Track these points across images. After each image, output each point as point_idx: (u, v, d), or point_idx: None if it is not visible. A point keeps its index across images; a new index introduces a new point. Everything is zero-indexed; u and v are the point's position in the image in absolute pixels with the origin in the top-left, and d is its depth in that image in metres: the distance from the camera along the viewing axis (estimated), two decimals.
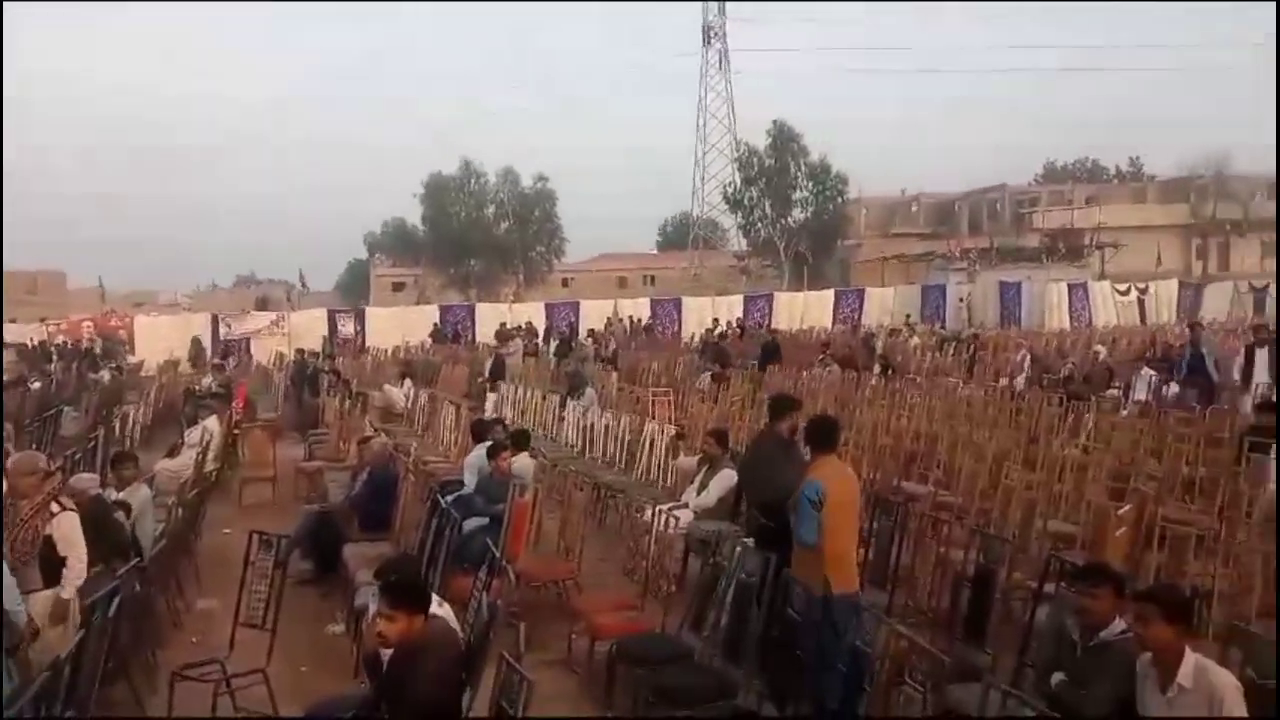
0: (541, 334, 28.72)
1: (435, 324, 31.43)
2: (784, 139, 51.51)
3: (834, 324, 34.17)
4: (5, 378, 17.89)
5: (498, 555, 5.77)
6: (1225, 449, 9.13)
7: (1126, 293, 34.80)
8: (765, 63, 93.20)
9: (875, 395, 14.13)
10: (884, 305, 35.96)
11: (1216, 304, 34.43)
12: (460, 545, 6.78)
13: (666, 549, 6.55)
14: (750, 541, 5.70)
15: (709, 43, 61.89)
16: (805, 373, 17.39)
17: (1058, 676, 4.00)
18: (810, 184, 52.05)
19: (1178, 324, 30.57)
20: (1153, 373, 14.20)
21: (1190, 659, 3.71)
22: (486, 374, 18.53)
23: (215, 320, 30.02)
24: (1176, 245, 51.43)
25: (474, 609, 4.86)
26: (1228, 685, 3.63)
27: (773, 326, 33.78)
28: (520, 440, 9.05)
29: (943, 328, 30.92)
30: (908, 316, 32.35)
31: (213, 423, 10.99)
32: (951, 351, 21.73)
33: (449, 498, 7.51)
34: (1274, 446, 7.94)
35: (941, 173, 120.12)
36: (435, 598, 4.68)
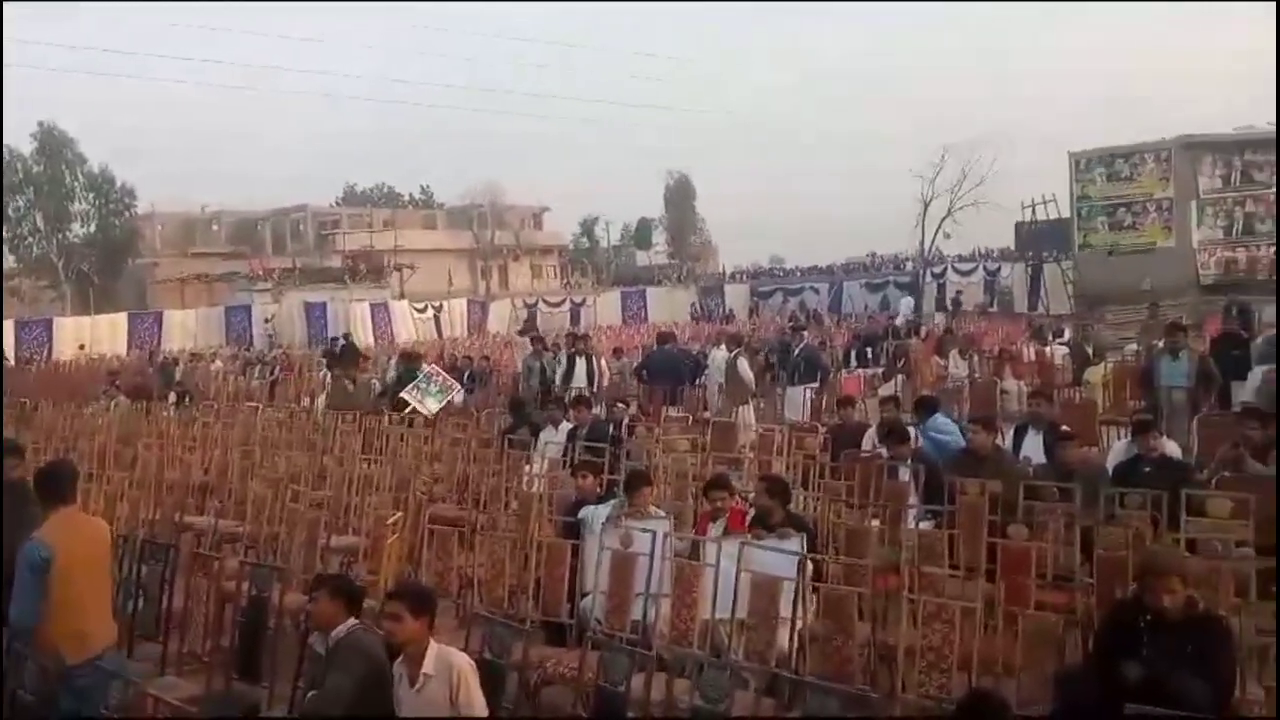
0: None
1: None
2: (54, 143, 45.45)
3: (129, 350, 31.24)
4: None
5: None
6: (492, 449, 10.25)
7: (424, 310, 37.73)
8: (27, 55, 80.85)
9: (166, 426, 13.12)
10: (186, 328, 33.94)
11: (499, 318, 39.14)
12: None
13: None
14: None
15: None
16: (88, 407, 15.50)
17: (313, 692, 4.07)
18: (91, 196, 46.74)
19: (470, 338, 34.10)
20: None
21: (433, 648, 4.02)
22: None
23: None
24: (464, 267, 57.14)
25: None
26: (462, 664, 4.02)
27: (54, 355, 29.73)
28: None
29: (248, 349, 30.18)
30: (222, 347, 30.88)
31: None
32: (257, 375, 21.24)
33: None
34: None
35: (242, 191, 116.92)
36: None
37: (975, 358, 14.84)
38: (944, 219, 44.21)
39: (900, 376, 13.69)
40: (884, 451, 8.10)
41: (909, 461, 7.62)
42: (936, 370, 14.60)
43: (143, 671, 5.27)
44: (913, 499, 7.18)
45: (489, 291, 50.74)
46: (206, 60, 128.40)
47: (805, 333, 14.35)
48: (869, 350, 17.95)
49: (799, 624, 5.09)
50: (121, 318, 34.17)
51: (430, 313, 37.84)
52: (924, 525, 6.73)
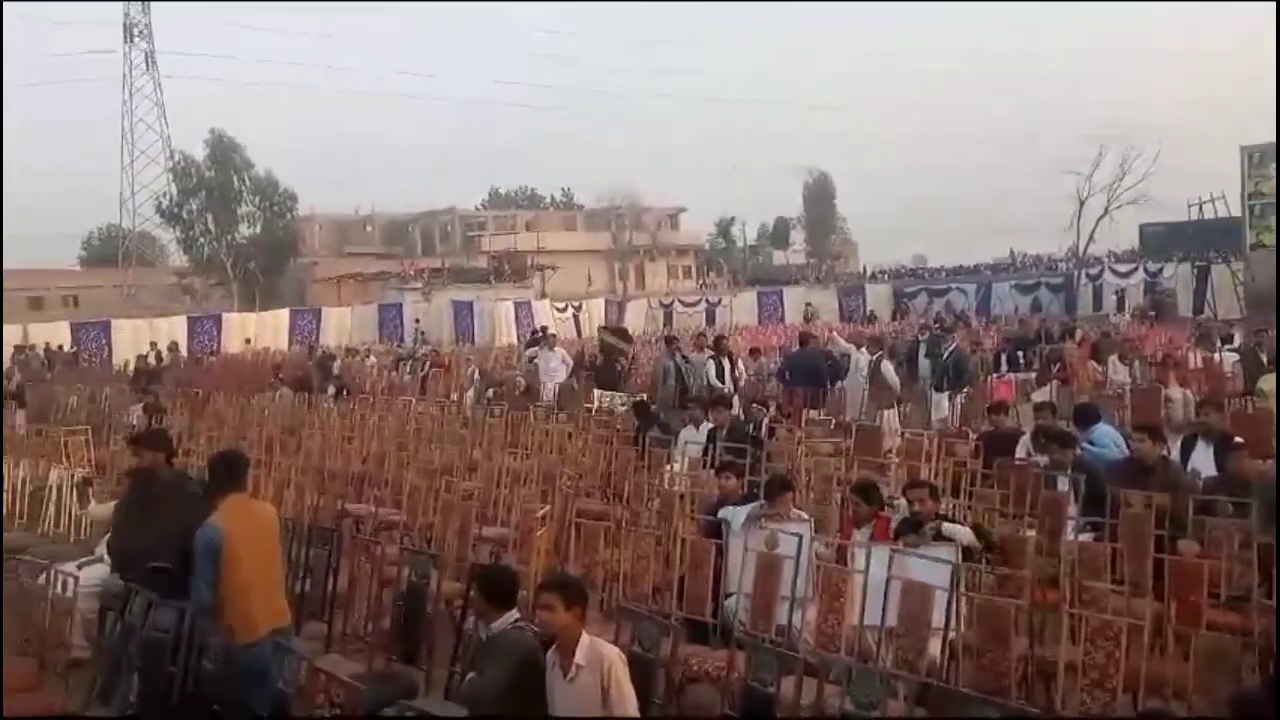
0: None
1: None
2: (224, 150, 48.51)
3: (290, 345, 33.02)
4: None
5: None
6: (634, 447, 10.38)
7: (564, 310, 38.44)
8: (199, 68, 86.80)
9: (327, 417, 13.82)
10: (342, 325, 35.59)
11: (636, 318, 39.49)
12: None
13: (66, 613, 5.70)
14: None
15: (131, 40, 56.22)
16: (255, 398, 16.48)
17: (470, 676, 4.21)
18: (257, 198, 49.65)
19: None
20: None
21: (585, 639, 4.10)
22: None
23: None
24: (602, 268, 57.87)
25: None
26: (612, 655, 4.08)
27: (223, 349, 31.69)
28: None
29: (400, 345, 31.44)
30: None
31: None
32: (408, 370, 22.12)
33: None
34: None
35: (393, 194, 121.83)
36: None
37: (1136, 364, 14.08)
38: (1101, 217, 42.18)
39: (1055, 382, 13.12)
40: (1040, 459, 7.80)
41: (1069, 470, 7.31)
42: (1094, 376, 13.94)
43: (310, 649, 5.58)
44: (1072, 510, 6.88)
45: (625, 291, 51.27)
46: (362, 69, 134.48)
47: (954, 335, 13.90)
48: (1020, 354, 17.28)
49: (951, 634, 4.96)
50: (284, 314, 36.07)
51: (570, 312, 38.52)
52: (1084, 537, 6.45)
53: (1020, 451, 8.53)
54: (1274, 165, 29.91)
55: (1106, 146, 41.25)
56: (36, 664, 5.68)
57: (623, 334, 19.44)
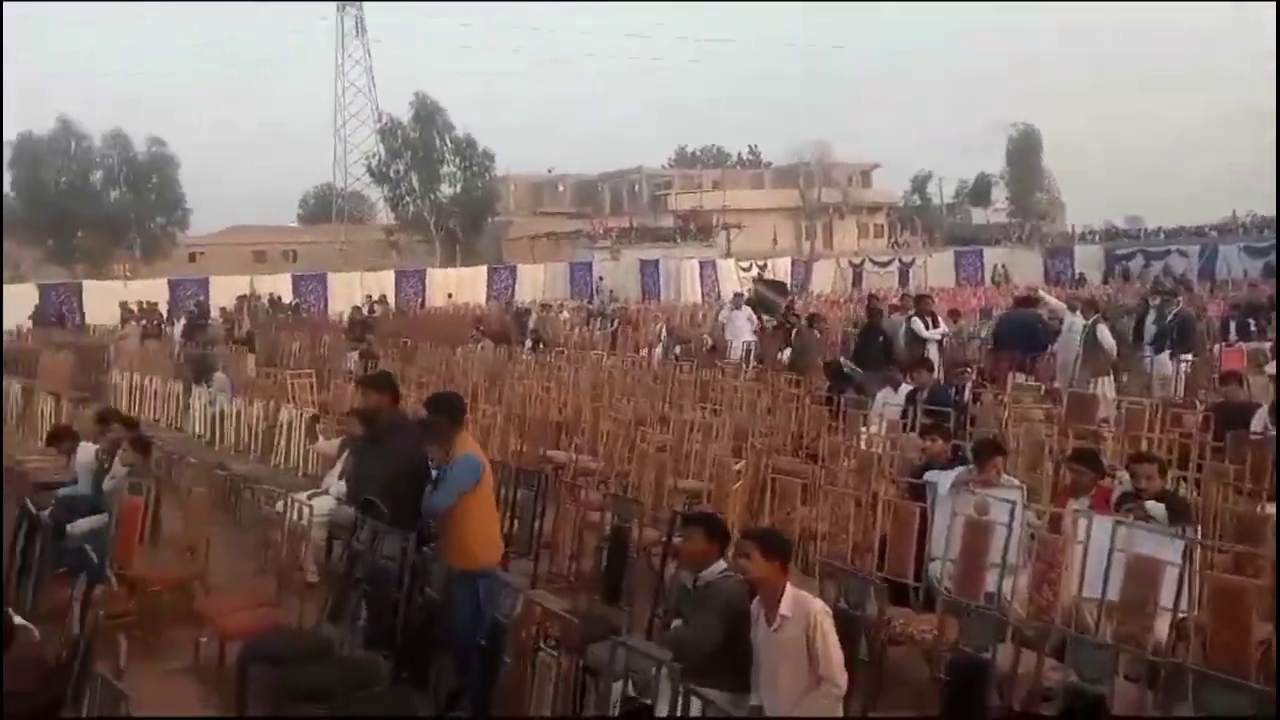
0: (165, 313, 26.23)
1: (36, 305, 27.82)
2: (427, 112, 50.69)
3: (488, 300, 34.43)
4: None
5: (99, 561, 5.15)
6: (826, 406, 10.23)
7: (749, 269, 38.09)
8: (406, 33, 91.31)
9: (526, 369, 14.35)
10: (536, 282, 36.75)
11: (823, 278, 38.76)
12: (62, 554, 6.02)
13: (301, 539, 6.20)
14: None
15: (343, 9, 59.58)
16: (458, 349, 17.31)
17: (676, 622, 4.28)
18: (457, 159, 51.68)
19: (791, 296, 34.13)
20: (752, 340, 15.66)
21: (790, 592, 4.08)
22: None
23: None
24: (789, 226, 56.93)
25: (71, 623, 4.31)
26: (818, 609, 4.05)
27: (427, 303, 33.39)
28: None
29: (590, 303, 32.18)
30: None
31: None
32: (598, 326, 22.65)
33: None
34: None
35: (582, 154, 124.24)
36: (18, 618, 4.09)
37: None
38: None
39: None
40: None
41: None
42: None
43: (517, 585, 5.85)
44: None
45: (812, 250, 50.26)
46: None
47: (1179, 299, 12.85)
48: (1251, 321, 15.83)
49: (1180, 614, 4.63)
50: (482, 270, 37.62)
51: (755, 271, 38.14)
52: None
53: (1257, 425, 7.86)
54: None
55: None
56: (275, 583, 6.23)
57: (779, 287, 19.08)
